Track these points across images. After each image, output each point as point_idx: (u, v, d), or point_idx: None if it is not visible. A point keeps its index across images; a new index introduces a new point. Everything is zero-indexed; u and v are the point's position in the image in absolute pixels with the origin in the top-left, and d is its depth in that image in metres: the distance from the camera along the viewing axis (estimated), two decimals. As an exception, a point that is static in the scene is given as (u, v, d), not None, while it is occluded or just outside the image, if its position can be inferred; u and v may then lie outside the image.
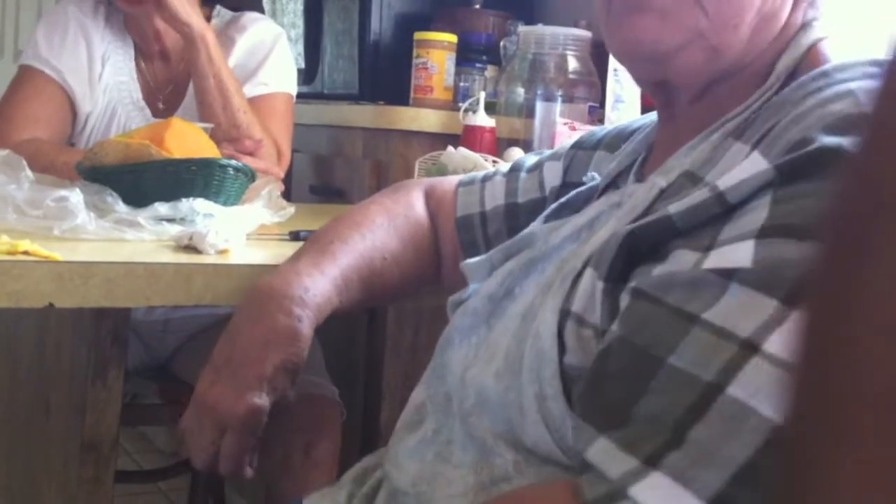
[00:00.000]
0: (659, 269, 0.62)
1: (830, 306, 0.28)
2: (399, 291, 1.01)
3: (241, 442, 0.82)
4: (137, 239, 1.08)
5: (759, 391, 0.53)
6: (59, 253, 0.92)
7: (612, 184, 0.84)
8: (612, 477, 0.56)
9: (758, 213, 0.59)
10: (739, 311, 0.56)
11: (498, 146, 1.69)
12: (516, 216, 0.99)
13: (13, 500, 1.35)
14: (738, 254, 0.58)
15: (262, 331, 0.84)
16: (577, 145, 0.99)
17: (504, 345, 0.71)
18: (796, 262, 0.55)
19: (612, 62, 1.64)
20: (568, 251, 0.76)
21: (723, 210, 0.61)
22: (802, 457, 0.28)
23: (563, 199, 0.88)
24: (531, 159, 1.03)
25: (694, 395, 0.55)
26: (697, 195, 0.63)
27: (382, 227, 0.98)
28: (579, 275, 0.69)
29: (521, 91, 1.77)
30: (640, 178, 0.80)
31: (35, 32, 1.65)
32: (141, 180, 1.14)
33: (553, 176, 0.98)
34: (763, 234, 0.58)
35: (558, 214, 0.86)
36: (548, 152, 1.04)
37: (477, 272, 0.85)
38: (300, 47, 2.33)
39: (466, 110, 1.73)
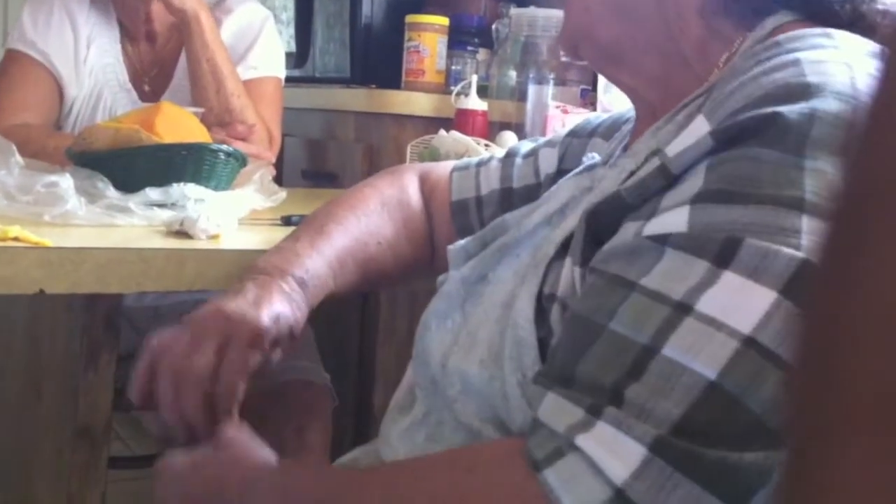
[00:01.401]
0: (607, 244, 0.65)
1: (830, 299, 0.28)
2: (393, 278, 1.01)
3: (242, 356, 0.79)
4: (128, 224, 1.07)
5: (691, 349, 0.56)
6: (49, 239, 0.92)
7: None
8: (560, 431, 0.58)
9: (694, 181, 0.61)
10: (673, 274, 0.58)
11: (490, 130, 1.68)
12: (511, 202, 0.98)
13: (6, 485, 1.35)
14: (673, 219, 0.60)
15: (267, 290, 0.84)
16: (573, 133, 0.99)
17: (486, 333, 0.72)
18: (726, 224, 0.58)
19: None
20: (541, 237, 0.76)
21: (667, 182, 0.63)
22: (803, 448, 0.28)
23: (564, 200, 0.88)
24: (527, 146, 1.03)
25: (630, 357, 0.57)
26: (644, 168, 0.65)
27: (377, 212, 0.98)
28: (553, 260, 0.70)
29: (513, 74, 1.77)
30: None
31: (21, 15, 1.64)
32: (131, 165, 1.13)
33: (548, 163, 0.98)
34: (697, 199, 0.60)
35: None
36: (543, 139, 1.04)
37: (455, 259, 0.85)
38: (291, 30, 2.32)
39: (458, 94, 1.72)
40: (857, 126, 0.29)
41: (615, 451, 0.55)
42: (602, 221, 0.66)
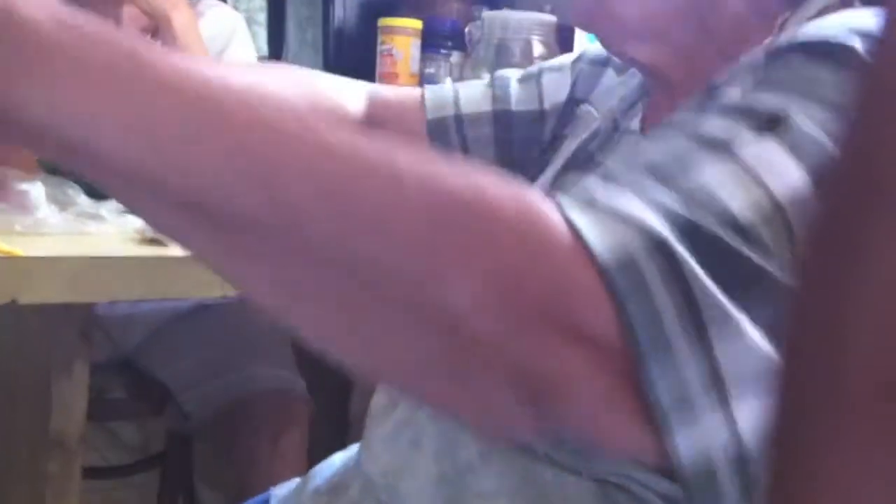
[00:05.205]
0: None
1: (822, 293, 0.28)
2: None
3: None
4: (100, 232, 1.06)
5: (727, 189, 0.51)
6: (20, 248, 0.91)
7: (614, 127, 0.80)
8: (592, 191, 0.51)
9: (745, 83, 0.58)
10: (721, 127, 0.54)
11: (464, 133, 1.68)
12: (509, 125, 0.92)
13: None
14: (723, 99, 0.57)
15: None
16: (582, 59, 0.92)
17: None
18: (777, 104, 0.54)
19: (578, 47, 1.64)
20: None
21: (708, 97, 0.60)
22: (795, 433, 0.27)
23: (568, 156, 0.82)
24: (514, 72, 0.96)
25: (663, 184, 0.51)
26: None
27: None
28: None
29: (486, 77, 1.77)
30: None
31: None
32: (103, 172, 1.12)
33: (555, 89, 0.92)
34: (749, 90, 0.57)
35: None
36: (538, 66, 0.96)
37: None
38: (264, 34, 2.31)
39: (432, 97, 1.72)
40: (860, 87, 0.28)
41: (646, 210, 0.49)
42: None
